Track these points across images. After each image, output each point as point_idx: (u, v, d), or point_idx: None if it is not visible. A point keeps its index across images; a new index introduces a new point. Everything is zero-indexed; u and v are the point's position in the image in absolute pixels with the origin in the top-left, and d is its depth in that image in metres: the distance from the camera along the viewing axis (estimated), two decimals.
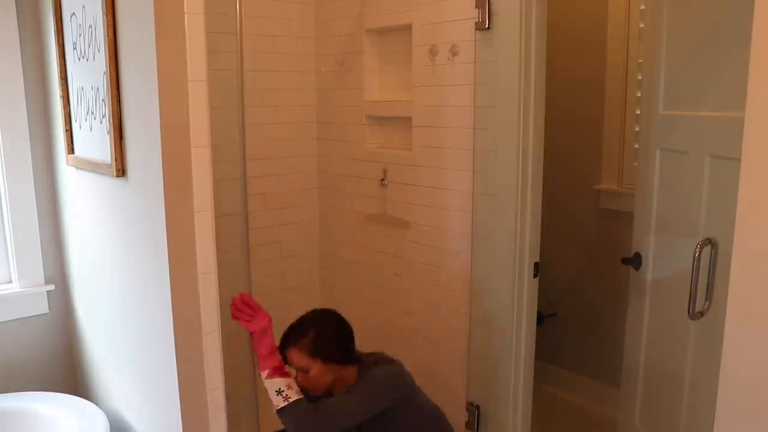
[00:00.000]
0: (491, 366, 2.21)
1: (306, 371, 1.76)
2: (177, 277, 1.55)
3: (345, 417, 1.73)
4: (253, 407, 2.28)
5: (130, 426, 2.00)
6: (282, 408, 1.71)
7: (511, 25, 1.99)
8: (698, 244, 1.52)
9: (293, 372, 1.81)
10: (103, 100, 1.74)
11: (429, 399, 1.94)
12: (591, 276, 2.98)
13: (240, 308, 1.77)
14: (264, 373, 1.74)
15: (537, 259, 2.13)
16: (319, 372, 1.76)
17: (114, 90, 1.68)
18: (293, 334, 1.79)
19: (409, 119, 2.42)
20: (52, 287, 2.43)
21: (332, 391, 1.83)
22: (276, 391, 1.72)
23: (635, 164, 2.66)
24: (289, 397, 1.71)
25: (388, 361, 1.88)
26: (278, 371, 1.75)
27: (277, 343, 1.81)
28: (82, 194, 2.12)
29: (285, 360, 1.80)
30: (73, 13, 1.90)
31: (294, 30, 2.76)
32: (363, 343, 2.67)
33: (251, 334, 1.78)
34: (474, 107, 2.14)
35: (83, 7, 1.81)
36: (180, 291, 1.55)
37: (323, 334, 1.79)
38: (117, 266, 1.92)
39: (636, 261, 1.95)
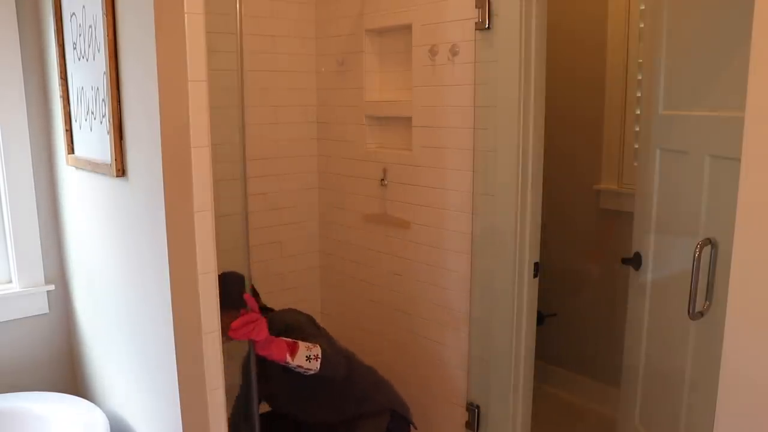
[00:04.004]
0: (491, 366, 2.21)
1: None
2: (177, 277, 1.55)
3: (333, 348, 1.95)
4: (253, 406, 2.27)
5: (130, 426, 2.00)
6: (321, 366, 1.85)
7: (511, 25, 1.99)
8: (698, 244, 1.52)
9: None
10: (103, 100, 1.74)
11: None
12: (591, 276, 2.98)
13: (241, 325, 1.76)
14: (289, 357, 1.82)
15: (537, 259, 2.13)
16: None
17: (114, 90, 1.68)
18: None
19: (409, 119, 2.42)
20: (52, 287, 2.43)
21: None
22: (306, 359, 1.83)
23: (635, 164, 2.66)
24: (318, 355, 1.85)
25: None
26: (293, 346, 1.84)
27: None
28: (82, 194, 2.12)
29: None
30: (73, 13, 1.90)
31: (294, 30, 2.76)
32: (363, 343, 2.68)
33: (257, 341, 1.79)
34: (474, 107, 2.14)
35: (83, 7, 1.81)
36: (180, 291, 1.55)
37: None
38: (117, 266, 1.92)
39: (636, 261, 1.95)
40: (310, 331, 1.97)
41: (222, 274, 1.69)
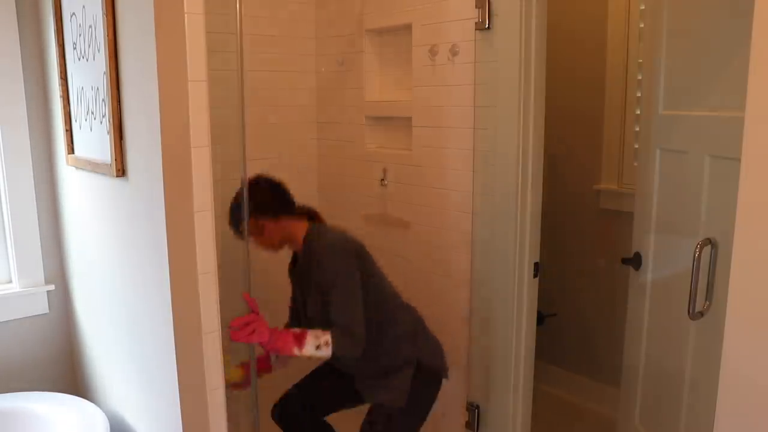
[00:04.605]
0: (491, 366, 2.21)
1: (261, 232, 1.93)
2: (177, 277, 1.55)
3: (354, 311, 1.85)
4: (253, 407, 2.28)
5: (130, 426, 2.00)
6: (333, 352, 1.82)
7: (511, 25, 1.99)
8: (698, 244, 1.52)
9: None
10: (103, 100, 1.74)
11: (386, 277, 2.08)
12: (591, 276, 2.98)
13: (240, 326, 1.76)
14: (296, 350, 1.81)
15: (537, 259, 2.13)
16: (272, 228, 1.94)
17: (114, 90, 1.68)
18: (236, 210, 1.87)
19: (409, 119, 2.42)
20: (52, 287, 2.43)
21: (288, 246, 2.03)
22: (316, 348, 1.81)
23: (635, 164, 2.66)
24: (327, 341, 1.81)
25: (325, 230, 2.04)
26: (301, 337, 1.81)
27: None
28: (82, 194, 2.12)
29: (237, 232, 1.87)
30: (73, 13, 1.90)
31: (294, 30, 2.76)
32: None
33: (263, 342, 1.79)
34: (474, 107, 2.14)
35: (83, 7, 1.81)
36: (180, 291, 1.55)
37: (260, 193, 1.92)
38: (117, 266, 1.92)
39: (636, 261, 1.95)
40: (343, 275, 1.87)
41: (252, 179, 1.85)
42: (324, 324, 1.88)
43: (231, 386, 1.90)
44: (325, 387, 2.17)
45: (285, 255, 2.87)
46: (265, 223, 1.93)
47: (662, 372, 1.87)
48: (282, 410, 2.16)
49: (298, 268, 2.06)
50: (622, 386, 2.11)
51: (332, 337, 1.82)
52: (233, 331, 1.76)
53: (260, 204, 1.90)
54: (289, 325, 2.17)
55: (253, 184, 1.90)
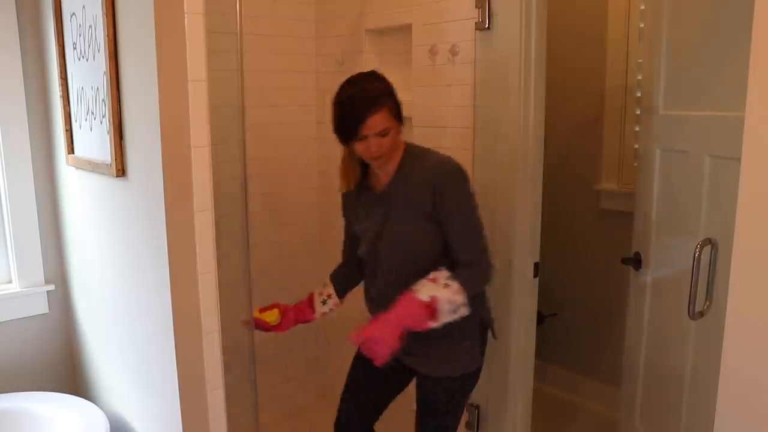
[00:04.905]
0: (491, 366, 2.21)
1: (386, 134, 1.65)
2: (177, 277, 1.55)
3: (484, 242, 1.68)
4: (253, 406, 2.28)
5: (130, 426, 2.00)
6: (468, 299, 1.59)
7: (511, 25, 1.98)
8: (698, 244, 1.52)
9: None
10: (103, 100, 1.75)
11: None
12: (591, 276, 2.98)
13: (358, 341, 1.59)
14: (432, 323, 1.55)
15: (537, 259, 2.13)
16: (396, 133, 1.69)
17: (114, 90, 1.68)
18: (376, 97, 1.65)
19: (409, 119, 2.42)
20: (52, 287, 2.43)
21: (378, 163, 1.74)
22: (452, 313, 1.56)
23: (635, 164, 2.66)
24: (465, 302, 1.57)
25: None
26: (432, 308, 1.55)
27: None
28: (82, 194, 2.12)
29: (357, 131, 1.65)
30: (73, 13, 1.90)
31: (294, 30, 2.76)
32: None
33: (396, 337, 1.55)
34: (474, 107, 2.14)
35: (83, 7, 1.81)
36: (180, 291, 1.55)
37: (395, 92, 1.71)
38: (117, 266, 1.92)
39: (636, 261, 1.95)
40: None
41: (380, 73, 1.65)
42: (413, 254, 1.67)
43: (259, 325, 1.75)
44: (368, 385, 1.97)
45: (286, 256, 2.88)
46: (393, 125, 1.67)
47: (662, 372, 1.87)
48: (341, 428, 2.01)
49: (385, 190, 1.76)
50: (622, 386, 2.11)
51: (461, 285, 1.56)
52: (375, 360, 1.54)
53: (398, 104, 1.69)
54: (345, 264, 2.01)
55: (383, 77, 1.72)
